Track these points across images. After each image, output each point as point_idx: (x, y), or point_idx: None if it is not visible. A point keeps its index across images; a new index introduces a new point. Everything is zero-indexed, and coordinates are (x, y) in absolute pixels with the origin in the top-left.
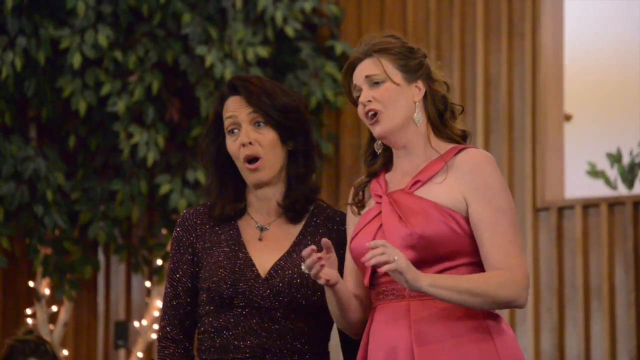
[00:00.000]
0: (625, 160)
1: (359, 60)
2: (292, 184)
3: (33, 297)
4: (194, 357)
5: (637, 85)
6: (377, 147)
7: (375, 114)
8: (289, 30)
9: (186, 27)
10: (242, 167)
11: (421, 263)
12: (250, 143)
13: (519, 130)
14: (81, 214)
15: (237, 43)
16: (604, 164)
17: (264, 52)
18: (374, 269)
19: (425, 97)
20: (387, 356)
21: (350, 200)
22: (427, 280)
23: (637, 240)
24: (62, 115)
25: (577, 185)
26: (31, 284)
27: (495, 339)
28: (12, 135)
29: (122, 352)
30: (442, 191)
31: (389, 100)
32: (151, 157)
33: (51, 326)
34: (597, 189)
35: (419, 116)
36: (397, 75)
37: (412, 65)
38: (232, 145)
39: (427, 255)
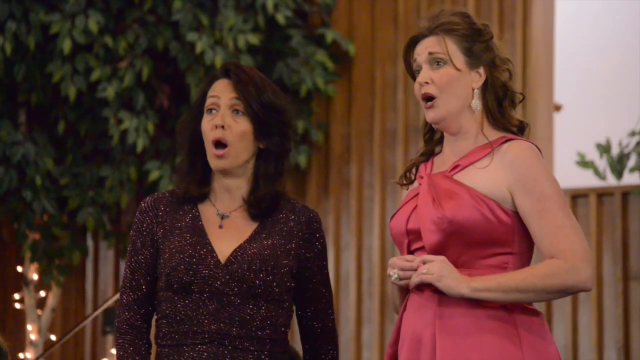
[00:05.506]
0: (615, 150)
1: (422, 36)
2: (260, 182)
3: (21, 282)
4: (151, 343)
5: (627, 75)
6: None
7: (430, 99)
8: (280, 18)
9: (177, 13)
10: (209, 149)
11: (451, 248)
12: (223, 127)
13: None
14: (70, 199)
15: (227, 30)
16: (593, 155)
17: (254, 39)
18: (409, 250)
19: (485, 83)
20: (411, 345)
21: (398, 178)
22: (469, 286)
23: (626, 230)
24: (52, 101)
25: (566, 175)
26: (19, 269)
27: (521, 335)
28: (1, 119)
29: (110, 338)
30: (482, 177)
31: (447, 85)
32: (141, 143)
33: (39, 311)
34: (586, 180)
35: (477, 104)
36: (459, 59)
37: (477, 49)
38: (206, 124)
39: (458, 241)
